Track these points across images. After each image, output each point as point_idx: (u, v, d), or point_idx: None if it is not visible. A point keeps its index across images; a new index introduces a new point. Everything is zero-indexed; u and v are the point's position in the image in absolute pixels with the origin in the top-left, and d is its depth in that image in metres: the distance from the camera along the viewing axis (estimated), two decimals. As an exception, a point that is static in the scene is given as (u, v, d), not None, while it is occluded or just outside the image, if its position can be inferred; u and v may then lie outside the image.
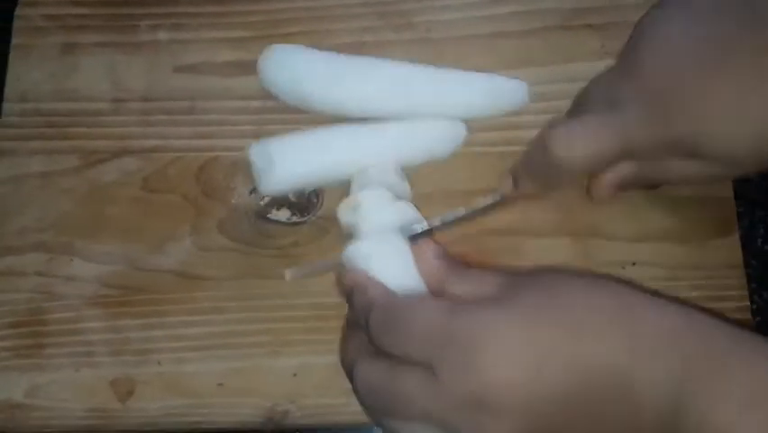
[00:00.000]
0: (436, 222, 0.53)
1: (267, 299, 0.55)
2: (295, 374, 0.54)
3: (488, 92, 0.57)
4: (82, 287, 0.56)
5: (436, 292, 0.48)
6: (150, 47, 0.61)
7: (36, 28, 0.62)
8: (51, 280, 0.56)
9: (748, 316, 0.54)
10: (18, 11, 0.62)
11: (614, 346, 0.41)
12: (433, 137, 0.56)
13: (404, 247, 0.50)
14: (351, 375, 0.46)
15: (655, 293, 0.44)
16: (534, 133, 0.56)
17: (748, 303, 0.54)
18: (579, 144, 0.49)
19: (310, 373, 0.54)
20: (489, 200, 0.54)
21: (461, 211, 0.54)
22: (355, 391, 0.46)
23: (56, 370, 0.54)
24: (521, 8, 0.60)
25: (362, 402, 0.46)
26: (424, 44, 0.60)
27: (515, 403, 0.41)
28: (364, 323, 0.46)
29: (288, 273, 0.54)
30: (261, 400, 0.53)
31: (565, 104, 0.56)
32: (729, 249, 0.55)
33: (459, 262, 0.50)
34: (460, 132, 0.57)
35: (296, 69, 0.56)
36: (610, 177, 0.52)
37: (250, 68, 0.58)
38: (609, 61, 0.57)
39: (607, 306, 0.43)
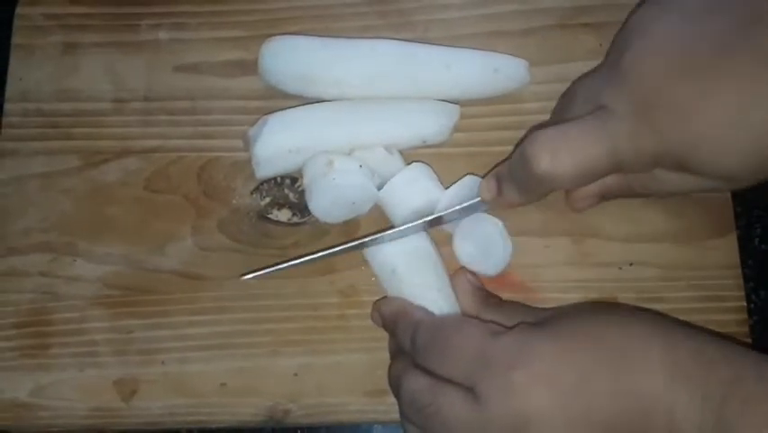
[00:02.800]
0: (419, 223, 0.53)
1: (268, 299, 0.55)
2: (296, 374, 0.54)
3: (488, 70, 0.57)
4: (85, 287, 0.56)
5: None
6: (151, 46, 0.61)
7: (37, 28, 0.62)
8: (55, 280, 0.56)
9: (745, 315, 0.54)
10: (19, 10, 0.62)
11: (653, 372, 0.41)
12: (424, 117, 0.56)
13: (428, 246, 0.52)
14: (398, 394, 0.47)
15: (687, 324, 0.44)
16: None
17: (745, 303, 0.54)
18: (563, 160, 0.45)
19: (311, 373, 0.54)
20: (471, 204, 0.53)
21: (443, 212, 0.53)
22: (401, 408, 0.47)
23: (60, 370, 0.55)
24: (519, 7, 0.60)
25: (407, 419, 0.46)
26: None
27: (555, 425, 0.41)
28: (409, 344, 0.47)
29: (246, 277, 0.54)
30: (263, 399, 0.54)
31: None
32: (726, 249, 0.55)
33: (494, 295, 0.52)
34: (453, 113, 0.57)
35: (296, 53, 0.56)
36: (593, 188, 0.50)
37: (250, 67, 0.59)
38: (608, 61, 0.58)
39: (645, 333, 0.43)
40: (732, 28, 0.43)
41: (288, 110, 0.56)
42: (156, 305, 0.56)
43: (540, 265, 0.55)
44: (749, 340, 0.54)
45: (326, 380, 0.54)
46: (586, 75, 0.51)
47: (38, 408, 0.54)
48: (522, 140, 0.48)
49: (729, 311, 0.54)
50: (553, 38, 0.60)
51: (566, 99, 0.52)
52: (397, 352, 0.51)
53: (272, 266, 0.54)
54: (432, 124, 0.56)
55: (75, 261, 0.57)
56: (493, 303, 0.51)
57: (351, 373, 0.54)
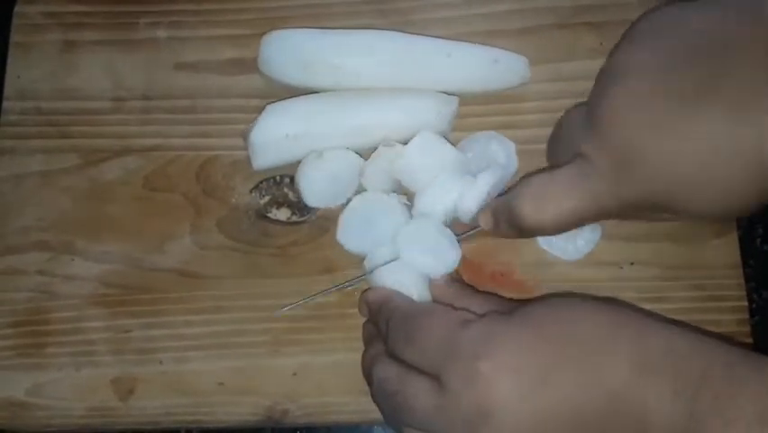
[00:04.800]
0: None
1: (267, 299, 0.55)
2: (295, 374, 0.54)
3: (488, 60, 0.57)
4: (83, 286, 0.56)
5: None
6: (150, 45, 0.61)
7: (35, 26, 0.62)
8: (52, 279, 0.56)
9: (746, 315, 0.54)
10: (17, 8, 0.62)
11: (622, 364, 0.40)
12: (423, 105, 0.56)
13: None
14: (369, 381, 0.47)
15: (658, 316, 0.44)
16: (533, 132, 0.56)
17: (746, 303, 0.54)
18: (546, 211, 0.47)
19: (310, 373, 0.54)
20: (469, 232, 0.53)
21: None
22: (372, 394, 0.47)
23: (57, 369, 0.54)
24: (519, 6, 0.60)
25: (378, 404, 0.47)
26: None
27: (520, 417, 0.41)
28: (385, 330, 0.47)
29: (279, 311, 0.54)
30: (261, 399, 0.53)
31: (564, 103, 0.56)
32: (728, 249, 0.55)
33: (468, 286, 0.51)
34: (452, 102, 0.56)
35: (295, 44, 0.56)
36: None
37: (249, 65, 0.59)
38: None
39: (614, 324, 0.42)
40: (707, 79, 0.43)
41: (286, 99, 0.56)
42: (154, 304, 0.55)
43: (540, 265, 0.55)
44: (750, 340, 0.53)
45: (326, 379, 0.54)
46: (574, 109, 0.52)
47: (34, 407, 0.54)
48: (513, 186, 0.50)
49: (730, 311, 0.54)
50: (552, 37, 0.59)
51: (555, 138, 0.53)
52: (370, 338, 0.51)
53: (303, 299, 0.54)
54: (430, 112, 0.56)
55: (73, 259, 0.56)
56: (468, 293, 0.51)
57: (350, 373, 0.53)
